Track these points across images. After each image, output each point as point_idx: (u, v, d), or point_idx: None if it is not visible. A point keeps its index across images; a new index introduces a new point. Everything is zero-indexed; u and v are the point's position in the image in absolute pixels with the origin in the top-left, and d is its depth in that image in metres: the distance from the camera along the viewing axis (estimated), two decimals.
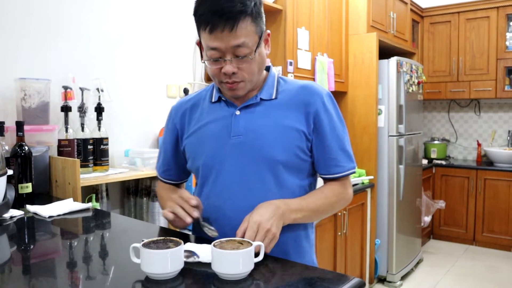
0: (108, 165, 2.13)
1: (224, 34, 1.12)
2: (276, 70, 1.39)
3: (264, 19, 1.22)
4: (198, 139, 1.30)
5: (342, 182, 1.31)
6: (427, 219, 4.41)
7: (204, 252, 1.04)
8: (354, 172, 1.32)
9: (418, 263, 4.20)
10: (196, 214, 1.16)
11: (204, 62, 1.22)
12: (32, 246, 1.27)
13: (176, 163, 1.43)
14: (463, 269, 4.10)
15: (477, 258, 4.38)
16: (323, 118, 1.25)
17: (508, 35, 4.64)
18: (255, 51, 1.17)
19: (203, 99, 1.36)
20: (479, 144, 5.08)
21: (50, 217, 1.48)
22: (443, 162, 4.95)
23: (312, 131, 1.25)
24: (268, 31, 1.25)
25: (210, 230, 1.17)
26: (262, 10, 1.21)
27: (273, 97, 1.27)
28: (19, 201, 1.68)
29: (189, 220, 1.15)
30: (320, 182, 1.35)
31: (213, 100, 1.32)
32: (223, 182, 1.25)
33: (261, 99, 1.26)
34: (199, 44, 1.23)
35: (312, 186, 1.34)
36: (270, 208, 1.14)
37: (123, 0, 2.38)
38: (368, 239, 3.55)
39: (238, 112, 1.26)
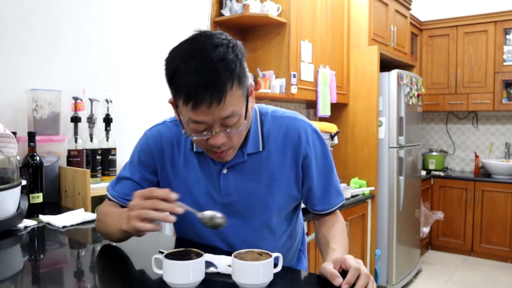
0: (115, 175, 2.15)
1: (211, 108, 0.96)
2: (257, 107, 1.23)
3: (247, 71, 1.04)
4: (185, 194, 1.19)
5: (331, 215, 1.31)
6: (425, 230, 4.44)
7: (222, 263, 1.07)
8: (342, 206, 1.30)
9: (417, 273, 4.22)
10: (180, 210, 1.00)
11: (185, 133, 1.06)
12: (45, 256, 1.29)
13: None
14: (461, 279, 4.13)
15: (475, 269, 4.41)
16: (310, 160, 1.21)
17: (506, 48, 4.72)
18: (245, 116, 1.04)
19: (185, 140, 1.21)
20: (476, 156, 5.13)
21: (63, 227, 1.50)
22: (441, 174, 5.00)
23: (301, 175, 1.22)
24: (252, 82, 1.08)
25: (218, 218, 1.06)
26: (245, 64, 1.03)
27: (260, 149, 1.18)
28: (30, 211, 1.70)
29: (172, 219, 0.99)
30: None
31: (195, 150, 1.19)
32: (216, 232, 1.21)
33: (248, 154, 1.17)
34: (173, 104, 1.06)
35: (297, 213, 1.37)
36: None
37: (133, 13, 2.42)
38: (369, 250, 3.57)
39: (225, 171, 1.18)
